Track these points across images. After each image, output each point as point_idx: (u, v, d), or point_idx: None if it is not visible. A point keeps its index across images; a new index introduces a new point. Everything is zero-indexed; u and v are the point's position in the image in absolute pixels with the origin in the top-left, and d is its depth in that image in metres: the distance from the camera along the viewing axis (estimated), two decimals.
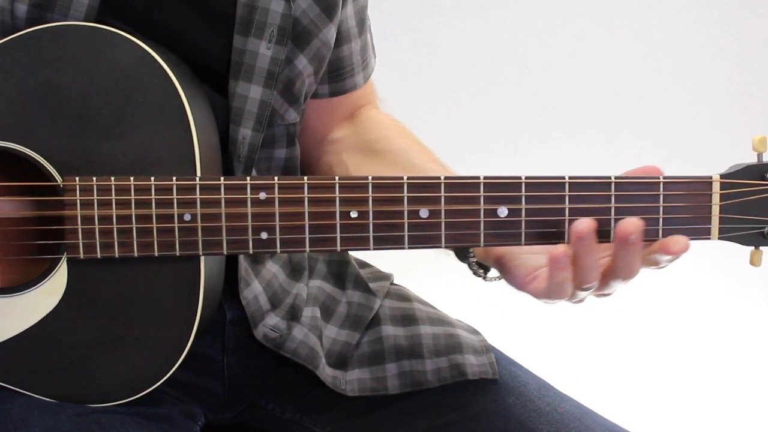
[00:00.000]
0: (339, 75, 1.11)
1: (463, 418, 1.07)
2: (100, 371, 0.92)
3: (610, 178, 0.88)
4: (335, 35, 1.06)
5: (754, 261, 0.90)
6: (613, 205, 0.88)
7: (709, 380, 2.40)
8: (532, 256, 0.92)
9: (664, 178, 0.88)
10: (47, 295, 0.91)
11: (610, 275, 0.88)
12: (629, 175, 0.88)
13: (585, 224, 0.85)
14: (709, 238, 0.89)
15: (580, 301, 0.91)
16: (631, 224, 0.85)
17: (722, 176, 0.88)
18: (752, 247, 0.90)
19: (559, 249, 0.85)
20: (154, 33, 0.94)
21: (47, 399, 0.93)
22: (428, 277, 1.18)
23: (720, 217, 0.88)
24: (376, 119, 1.15)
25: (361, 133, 1.12)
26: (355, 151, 1.11)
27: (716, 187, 0.88)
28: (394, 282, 1.19)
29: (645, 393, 2.35)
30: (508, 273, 0.95)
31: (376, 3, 1.20)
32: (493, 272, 0.98)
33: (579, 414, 1.08)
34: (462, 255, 1.00)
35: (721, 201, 0.88)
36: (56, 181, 0.89)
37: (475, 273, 1.00)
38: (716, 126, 2.78)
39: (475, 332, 1.15)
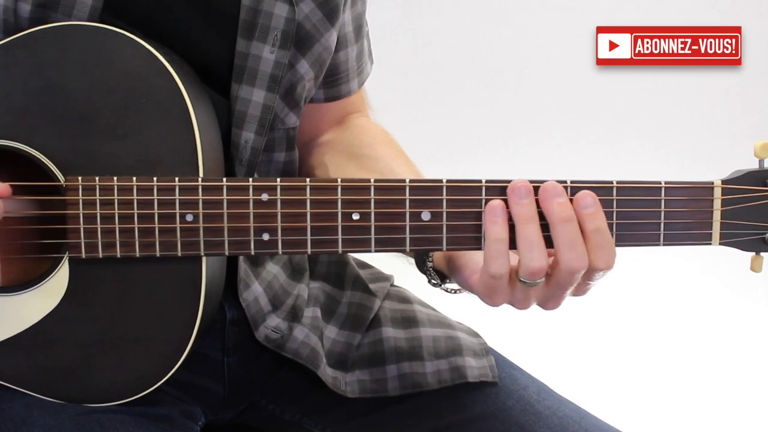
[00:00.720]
0: (334, 80, 1.11)
1: (462, 420, 1.07)
2: (101, 371, 0.92)
3: (611, 182, 0.88)
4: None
5: (755, 267, 0.90)
6: (614, 209, 0.88)
7: (709, 387, 2.39)
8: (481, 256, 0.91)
9: (665, 183, 0.88)
10: (48, 294, 0.91)
11: (556, 266, 0.87)
12: (631, 180, 0.88)
13: (521, 182, 0.86)
14: (710, 244, 0.89)
15: (527, 304, 0.90)
16: (550, 185, 0.85)
17: (724, 182, 0.89)
18: (753, 253, 0.90)
19: (496, 201, 0.86)
20: (157, 34, 0.94)
21: (48, 399, 0.93)
22: None
23: (721, 222, 0.89)
24: (364, 126, 1.15)
25: (347, 138, 1.12)
26: (338, 154, 1.11)
27: (717, 193, 0.88)
28: (395, 284, 1.19)
29: (645, 397, 2.35)
30: (456, 270, 0.94)
31: (376, 3, 1.20)
32: (453, 285, 0.98)
33: (578, 418, 1.08)
34: (420, 262, 0.99)
35: (722, 207, 0.88)
36: (59, 181, 0.89)
37: (431, 282, 0.99)
38: (718, 131, 2.78)
39: (476, 335, 1.15)
